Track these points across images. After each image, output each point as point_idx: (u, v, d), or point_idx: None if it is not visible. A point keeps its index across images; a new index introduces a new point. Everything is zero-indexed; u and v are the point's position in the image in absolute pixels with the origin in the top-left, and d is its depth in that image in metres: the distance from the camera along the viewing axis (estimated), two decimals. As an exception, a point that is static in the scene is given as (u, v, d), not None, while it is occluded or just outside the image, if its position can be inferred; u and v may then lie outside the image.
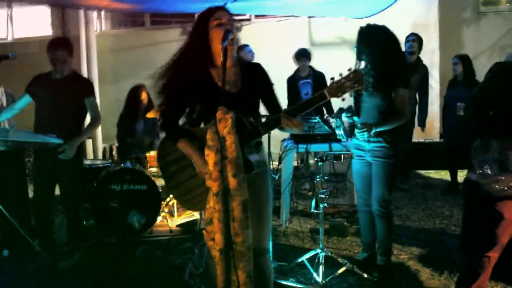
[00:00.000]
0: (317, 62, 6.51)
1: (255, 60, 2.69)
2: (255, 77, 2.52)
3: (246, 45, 6.42)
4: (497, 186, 2.63)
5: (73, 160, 3.89)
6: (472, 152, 2.77)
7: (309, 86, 6.11)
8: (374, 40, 3.43)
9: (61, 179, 3.98)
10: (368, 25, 3.57)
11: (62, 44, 3.93)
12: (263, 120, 2.48)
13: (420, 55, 6.24)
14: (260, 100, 2.58)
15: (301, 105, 2.32)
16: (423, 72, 6.20)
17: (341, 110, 3.49)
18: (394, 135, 3.44)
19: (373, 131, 3.35)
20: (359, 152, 3.59)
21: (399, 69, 3.45)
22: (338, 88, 2.27)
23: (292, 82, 6.34)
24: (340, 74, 2.29)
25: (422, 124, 6.40)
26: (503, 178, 2.62)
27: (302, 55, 6.22)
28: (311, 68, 6.28)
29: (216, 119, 2.17)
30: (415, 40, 6.11)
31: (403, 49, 5.60)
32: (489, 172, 2.65)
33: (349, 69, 2.29)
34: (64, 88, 3.86)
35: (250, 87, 2.47)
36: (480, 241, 2.88)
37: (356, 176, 3.69)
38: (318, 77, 6.12)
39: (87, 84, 4.08)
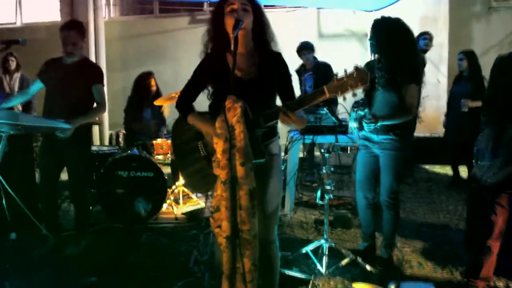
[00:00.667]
0: (325, 54, 6.51)
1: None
2: (273, 66, 2.48)
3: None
4: (482, 173, 2.71)
5: (81, 146, 3.93)
6: (475, 143, 2.84)
7: (312, 78, 6.11)
8: (390, 34, 3.42)
9: (69, 164, 4.01)
10: (384, 18, 3.54)
11: (75, 27, 3.92)
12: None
13: None
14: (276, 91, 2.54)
15: (300, 100, 2.26)
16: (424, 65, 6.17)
17: (357, 103, 3.48)
18: (402, 129, 3.46)
19: (379, 124, 3.35)
20: (367, 143, 3.61)
21: (413, 64, 3.44)
22: (339, 86, 2.17)
23: (299, 75, 6.35)
24: (345, 71, 2.21)
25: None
26: (490, 164, 2.71)
27: (302, 49, 6.21)
28: (315, 58, 6.25)
29: (225, 108, 2.18)
30: (431, 38, 6.05)
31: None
32: (483, 160, 2.73)
33: (355, 67, 2.20)
34: (73, 73, 3.87)
35: (265, 76, 2.44)
36: (480, 231, 2.93)
37: (360, 167, 3.70)
38: (320, 67, 6.10)
39: (96, 71, 4.07)
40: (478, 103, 5.25)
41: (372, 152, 3.60)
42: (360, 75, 2.15)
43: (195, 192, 4.71)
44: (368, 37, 3.56)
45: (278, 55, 2.54)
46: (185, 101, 2.58)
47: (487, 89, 3.06)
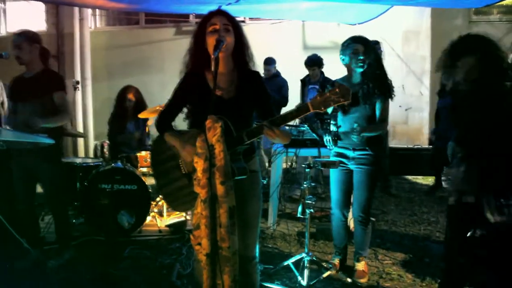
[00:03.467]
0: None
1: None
2: (251, 85, 2.53)
3: (274, 61, 6.49)
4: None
5: (51, 158, 3.91)
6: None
7: (315, 92, 6.17)
8: (376, 53, 3.59)
9: (41, 179, 4.00)
10: (365, 37, 3.63)
11: (26, 39, 3.85)
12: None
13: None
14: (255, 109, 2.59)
15: (284, 116, 2.31)
16: None
17: (329, 118, 3.55)
18: (377, 143, 3.58)
19: (362, 134, 3.43)
20: (342, 159, 3.67)
21: (386, 79, 3.58)
22: (322, 101, 2.24)
23: (302, 86, 6.44)
24: (327, 87, 2.29)
25: None
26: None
27: (307, 63, 6.29)
28: (322, 73, 6.34)
29: (205, 127, 2.22)
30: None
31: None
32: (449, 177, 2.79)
33: (335, 82, 2.28)
34: (33, 86, 3.82)
35: (244, 95, 2.49)
36: (455, 246, 2.98)
37: (335, 183, 3.75)
38: (325, 83, 6.17)
39: (56, 79, 3.99)
40: None
41: (347, 169, 3.67)
42: (342, 91, 2.22)
43: (175, 211, 4.71)
44: (358, 52, 3.57)
45: (257, 74, 2.59)
46: (164, 121, 2.61)
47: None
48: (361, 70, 3.54)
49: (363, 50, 3.51)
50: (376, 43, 6.09)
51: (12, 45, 3.85)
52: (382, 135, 3.63)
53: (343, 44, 3.62)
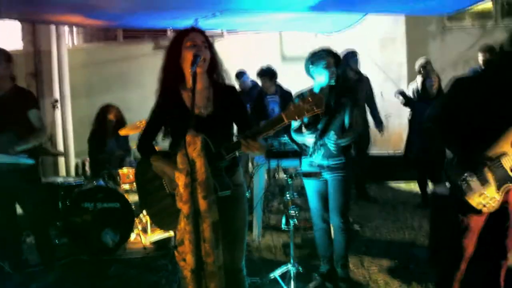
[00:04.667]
0: (288, 77, 6.61)
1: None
2: (227, 101, 2.54)
3: (244, 73, 6.54)
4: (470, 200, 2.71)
5: (31, 180, 3.87)
6: (446, 169, 2.86)
7: (276, 103, 6.20)
8: (339, 61, 3.67)
9: (21, 200, 3.94)
10: (332, 50, 3.70)
11: (1, 55, 3.81)
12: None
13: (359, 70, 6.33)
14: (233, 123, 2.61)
15: (260, 128, 2.30)
16: (368, 86, 6.35)
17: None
18: (349, 150, 3.67)
19: (337, 142, 3.54)
20: (316, 169, 3.68)
21: (354, 90, 3.72)
22: (296, 111, 2.21)
23: (259, 99, 6.41)
24: (299, 96, 2.28)
25: (380, 127, 6.55)
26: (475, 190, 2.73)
27: (261, 75, 6.31)
28: (278, 86, 6.36)
29: (185, 142, 2.22)
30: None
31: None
32: (463, 187, 2.74)
33: (309, 92, 2.26)
34: (6, 105, 3.76)
35: (221, 110, 2.50)
36: (451, 253, 2.98)
37: (312, 194, 3.74)
38: (285, 94, 6.21)
39: (28, 97, 3.94)
40: None
41: (322, 177, 3.68)
42: (315, 100, 2.20)
43: (163, 230, 4.67)
44: (330, 63, 3.61)
45: (232, 89, 2.62)
46: (146, 143, 2.63)
47: (439, 109, 3.07)
48: (333, 82, 3.60)
49: (333, 63, 3.59)
50: (353, 53, 6.19)
51: None
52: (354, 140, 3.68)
53: (313, 56, 3.63)
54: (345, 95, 3.61)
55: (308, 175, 3.59)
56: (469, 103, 2.79)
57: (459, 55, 8.42)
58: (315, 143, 3.55)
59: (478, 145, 2.68)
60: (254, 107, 6.39)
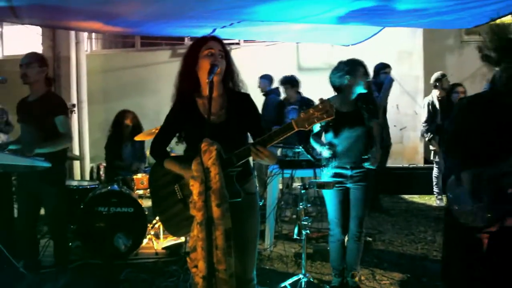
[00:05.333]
0: (304, 87, 6.64)
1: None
2: (241, 108, 2.56)
3: (268, 76, 6.59)
4: (470, 218, 2.69)
5: (56, 183, 3.93)
6: (447, 188, 2.85)
7: (296, 112, 6.21)
8: (366, 73, 3.71)
9: (45, 203, 4.00)
10: (357, 59, 3.73)
11: (37, 60, 3.92)
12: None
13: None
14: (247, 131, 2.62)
15: (269, 136, 2.32)
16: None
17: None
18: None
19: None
20: (338, 179, 3.69)
21: (374, 100, 3.75)
22: (306, 119, 2.25)
23: (280, 108, 6.46)
24: (311, 104, 2.32)
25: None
26: (476, 209, 2.70)
27: (283, 83, 6.37)
28: (299, 94, 6.39)
29: (201, 150, 2.25)
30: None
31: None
32: (465, 206, 2.72)
33: (320, 100, 2.29)
34: (37, 110, 3.85)
35: (235, 118, 2.52)
36: (461, 270, 2.95)
37: (335, 205, 3.75)
38: (305, 103, 6.22)
39: (57, 103, 4.00)
40: None
41: (344, 188, 3.70)
42: (325, 108, 2.23)
43: (175, 236, 4.70)
44: (367, 76, 3.74)
45: (247, 96, 2.62)
46: (159, 147, 2.65)
47: (449, 128, 3.07)
48: (351, 91, 3.65)
49: (364, 73, 3.66)
50: (386, 66, 6.22)
51: (21, 63, 3.87)
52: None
53: (348, 65, 3.66)
54: (369, 107, 3.67)
55: (321, 185, 3.59)
56: (474, 123, 2.80)
57: (477, 69, 8.37)
58: (336, 152, 3.60)
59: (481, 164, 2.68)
60: (275, 116, 6.44)
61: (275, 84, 6.92)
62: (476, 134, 2.78)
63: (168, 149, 2.71)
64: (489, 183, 2.66)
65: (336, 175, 3.71)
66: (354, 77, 3.60)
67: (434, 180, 6.81)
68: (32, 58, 3.90)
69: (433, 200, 7.09)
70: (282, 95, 6.71)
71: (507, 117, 2.68)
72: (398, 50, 8.57)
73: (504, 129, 2.68)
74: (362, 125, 3.63)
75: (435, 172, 6.81)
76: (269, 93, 6.90)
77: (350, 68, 3.63)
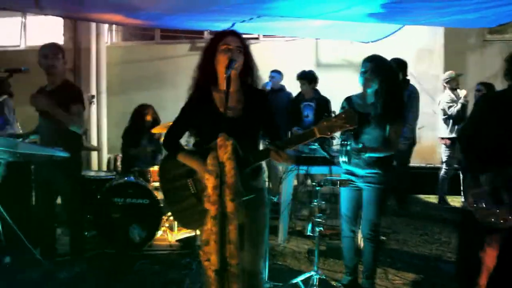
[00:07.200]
0: (322, 84, 6.61)
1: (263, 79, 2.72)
2: (257, 105, 2.57)
3: (278, 72, 6.59)
4: (492, 219, 2.66)
5: (72, 173, 4.00)
6: (465, 188, 2.83)
7: (311, 109, 6.18)
8: (390, 72, 3.55)
9: (62, 192, 4.07)
10: (378, 56, 3.62)
11: (62, 51, 4.01)
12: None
13: (407, 77, 6.16)
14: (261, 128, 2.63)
15: (291, 140, 2.39)
16: (409, 92, 5.98)
17: (346, 138, 3.52)
18: (386, 163, 3.58)
19: (367, 155, 3.46)
20: (351, 177, 3.67)
21: (401, 102, 3.62)
22: (329, 127, 2.29)
23: (295, 103, 6.44)
24: (333, 112, 2.33)
25: (406, 141, 6.11)
26: (497, 210, 2.67)
27: (301, 78, 6.33)
28: (316, 91, 6.36)
29: (216, 145, 2.26)
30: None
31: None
32: (483, 206, 2.70)
33: (342, 107, 2.32)
34: (54, 99, 3.88)
35: (250, 114, 2.53)
36: (471, 269, 2.94)
37: (345, 201, 3.75)
38: (321, 101, 6.19)
39: (74, 92, 4.06)
40: None
41: (356, 186, 3.66)
42: (348, 116, 2.27)
43: (185, 228, 4.73)
44: (365, 70, 3.55)
45: (263, 93, 2.65)
46: (172, 139, 2.66)
47: (466, 128, 3.04)
48: (369, 90, 3.53)
49: (372, 69, 3.49)
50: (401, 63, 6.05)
51: (47, 54, 3.94)
52: (391, 155, 3.61)
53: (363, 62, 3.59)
54: (387, 107, 3.49)
55: (335, 183, 3.58)
56: (493, 121, 2.75)
57: (499, 69, 8.25)
58: (350, 151, 3.51)
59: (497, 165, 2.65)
60: (289, 111, 6.42)
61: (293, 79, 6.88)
62: (493, 134, 2.76)
63: (184, 142, 2.73)
64: (509, 184, 2.63)
65: (348, 173, 3.69)
66: (359, 75, 3.55)
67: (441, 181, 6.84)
68: (58, 49, 3.99)
69: (450, 201, 7.02)
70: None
71: None
72: (418, 48, 8.47)
73: None
74: (379, 125, 3.53)
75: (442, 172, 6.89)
76: (279, 90, 6.85)
77: (372, 67, 3.54)
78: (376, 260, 3.79)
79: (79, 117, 3.98)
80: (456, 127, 6.68)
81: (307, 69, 6.52)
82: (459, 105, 6.65)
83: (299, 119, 6.19)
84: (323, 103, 6.13)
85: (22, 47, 10.34)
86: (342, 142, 3.36)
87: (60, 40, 9.38)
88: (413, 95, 6.08)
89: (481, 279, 2.83)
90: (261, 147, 2.74)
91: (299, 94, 6.48)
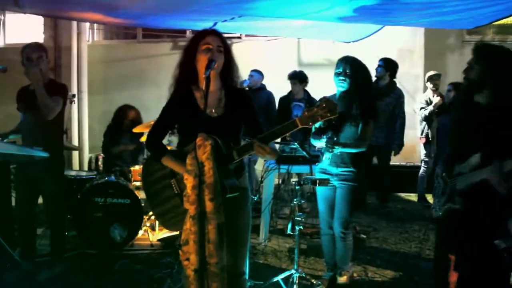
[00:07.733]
0: (304, 83, 6.64)
1: (244, 78, 2.76)
2: (238, 103, 2.59)
3: (258, 71, 6.59)
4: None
5: (55, 173, 3.96)
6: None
7: (301, 109, 6.20)
8: (361, 73, 3.65)
9: (44, 192, 4.03)
10: (351, 57, 3.72)
11: (45, 51, 3.93)
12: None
13: (395, 79, 6.32)
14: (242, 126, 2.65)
15: (273, 132, 2.35)
16: (396, 96, 6.23)
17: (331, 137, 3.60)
18: (359, 161, 3.68)
19: (338, 150, 3.53)
20: (325, 176, 3.72)
21: (373, 101, 3.78)
22: (310, 117, 2.29)
23: (284, 102, 6.47)
24: (314, 102, 2.35)
25: (398, 148, 6.39)
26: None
27: (292, 77, 6.37)
28: (306, 92, 6.40)
29: (195, 145, 2.27)
30: (382, 65, 6.25)
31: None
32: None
33: (324, 98, 2.33)
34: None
35: (232, 112, 2.55)
36: (446, 267, 3.00)
37: (321, 200, 3.82)
38: (312, 102, 6.21)
39: (57, 86, 4.01)
40: None
41: (330, 184, 3.71)
42: (329, 106, 2.27)
43: (168, 230, 4.72)
44: (339, 71, 3.66)
45: (243, 92, 2.71)
46: (155, 140, 2.66)
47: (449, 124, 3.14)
48: (342, 90, 3.65)
49: (345, 70, 3.60)
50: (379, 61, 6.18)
51: (30, 56, 3.84)
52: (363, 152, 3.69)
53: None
54: (359, 106, 3.63)
55: (315, 182, 3.62)
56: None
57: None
58: (325, 150, 3.58)
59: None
60: (279, 110, 6.47)
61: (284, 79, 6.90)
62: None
63: (166, 142, 2.73)
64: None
65: (323, 171, 3.75)
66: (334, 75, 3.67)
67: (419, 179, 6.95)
68: (41, 51, 3.90)
69: (429, 199, 7.12)
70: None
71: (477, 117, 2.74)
72: (399, 48, 8.57)
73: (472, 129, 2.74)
74: (348, 124, 3.64)
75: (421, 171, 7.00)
76: (259, 89, 6.86)
77: (350, 68, 3.65)
78: (349, 256, 3.85)
79: (56, 105, 3.84)
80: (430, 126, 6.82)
81: (289, 68, 6.57)
82: (427, 111, 6.74)
83: (288, 119, 6.19)
84: (313, 104, 6.15)
85: (1, 44, 10.20)
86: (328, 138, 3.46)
87: (40, 38, 9.26)
88: (401, 99, 6.19)
89: (451, 276, 2.89)
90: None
91: (290, 93, 6.51)
